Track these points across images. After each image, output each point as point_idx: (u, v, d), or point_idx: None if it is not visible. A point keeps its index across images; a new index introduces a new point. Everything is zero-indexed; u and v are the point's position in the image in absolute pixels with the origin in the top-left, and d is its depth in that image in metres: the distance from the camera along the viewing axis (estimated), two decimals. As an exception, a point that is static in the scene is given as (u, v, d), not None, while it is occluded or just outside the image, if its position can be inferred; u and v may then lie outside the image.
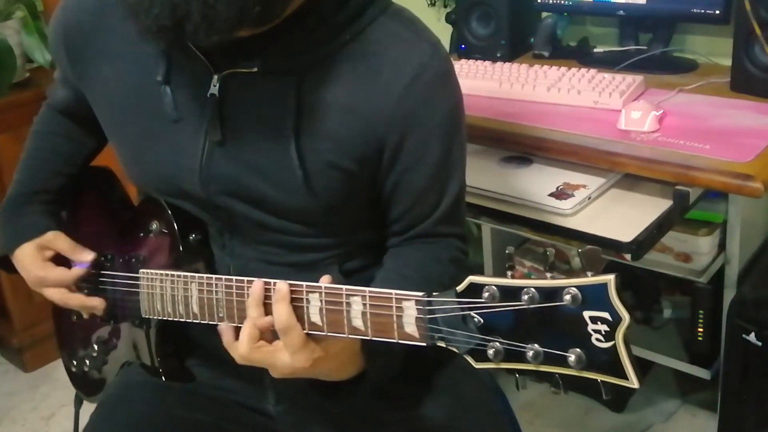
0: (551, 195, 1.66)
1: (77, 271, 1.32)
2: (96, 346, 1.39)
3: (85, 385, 1.47)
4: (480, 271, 2.53)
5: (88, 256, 1.32)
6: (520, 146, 1.79)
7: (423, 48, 1.14)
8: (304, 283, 1.02)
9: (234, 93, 1.14)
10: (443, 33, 2.37)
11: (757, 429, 1.84)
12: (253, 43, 1.08)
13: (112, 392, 1.34)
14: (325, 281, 1.02)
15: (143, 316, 1.25)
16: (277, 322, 1.01)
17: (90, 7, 1.22)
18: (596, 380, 0.84)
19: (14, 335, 2.71)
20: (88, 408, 1.44)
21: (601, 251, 0.79)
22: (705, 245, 1.98)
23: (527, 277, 2.39)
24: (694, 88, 1.91)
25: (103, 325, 1.36)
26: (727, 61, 1.91)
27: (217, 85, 1.14)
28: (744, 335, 1.78)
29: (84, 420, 1.32)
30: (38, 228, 1.34)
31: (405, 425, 1.24)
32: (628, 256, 1.52)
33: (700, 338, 2.08)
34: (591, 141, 1.70)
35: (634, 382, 0.81)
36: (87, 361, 1.42)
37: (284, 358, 1.03)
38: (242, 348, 1.05)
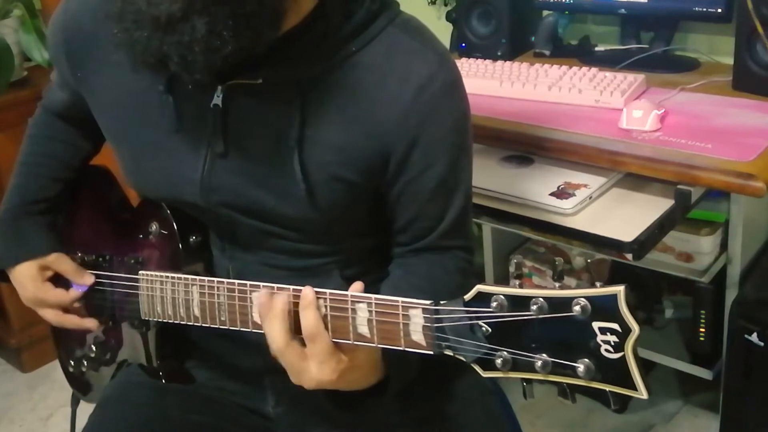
0: (552, 194, 1.65)
1: (75, 293, 1.32)
2: (94, 347, 1.39)
3: (82, 385, 1.46)
4: (481, 271, 2.52)
5: (88, 279, 1.32)
6: (520, 145, 1.78)
7: (430, 58, 1.12)
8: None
9: (237, 104, 1.12)
10: (443, 31, 2.36)
11: (760, 430, 1.84)
12: (258, 55, 1.06)
13: (110, 393, 1.33)
14: (355, 289, 1.00)
15: (143, 318, 1.24)
16: (304, 329, 0.99)
17: (92, 13, 1.20)
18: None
19: (12, 335, 2.69)
20: (85, 408, 1.43)
21: (609, 262, 0.79)
22: (707, 245, 1.97)
23: (528, 278, 2.38)
24: (696, 87, 1.91)
25: (101, 325, 1.35)
26: (729, 60, 1.91)
27: (221, 95, 1.12)
28: (746, 335, 1.77)
29: (82, 421, 1.31)
30: (41, 248, 1.33)
31: (405, 426, 1.24)
32: (629, 256, 1.51)
33: (702, 338, 2.07)
34: (592, 140, 1.69)
35: (643, 393, 0.81)
36: (85, 362, 1.42)
37: (311, 368, 1.01)
38: (279, 341, 1.01)
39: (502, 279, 2.50)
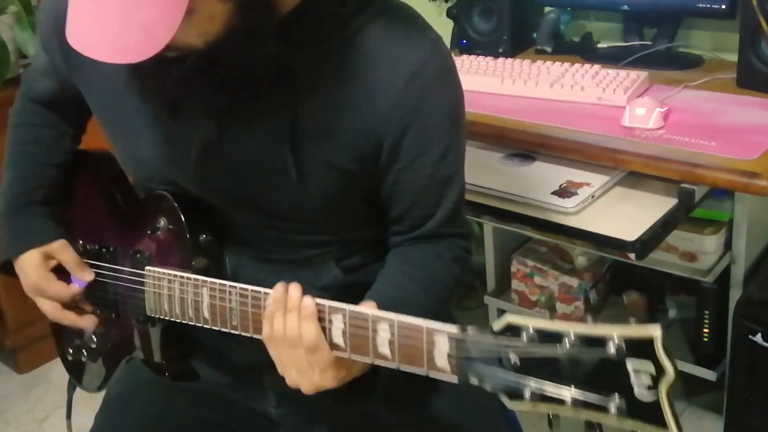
0: (554, 193, 1.64)
1: (75, 288, 1.32)
2: (95, 337, 1.37)
3: (80, 374, 1.45)
4: (482, 271, 2.51)
5: (88, 275, 1.32)
6: (522, 143, 1.77)
7: (423, 45, 1.12)
8: (327, 303, 1.00)
9: (231, 90, 1.12)
10: (444, 28, 2.34)
11: (764, 431, 1.82)
12: None
13: (118, 391, 1.34)
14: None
15: (148, 314, 1.24)
16: (305, 340, 1.00)
17: None
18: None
19: (8, 336, 2.68)
20: (79, 405, 1.42)
21: (647, 303, 0.79)
22: (711, 244, 1.97)
23: (530, 277, 2.37)
24: (700, 84, 1.89)
25: (103, 316, 1.34)
26: (733, 57, 1.89)
27: None
28: (750, 336, 1.77)
29: (80, 421, 1.30)
30: (47, 235, 1.33)
31: (404, 428, 1.24)
32: (632, 256, 1.50)
33: (705, 339, 2.07)
34: (594, 138, 1.68)
35: None
36: (84, 351, 1.40)
37: (314, 375, 1.02)
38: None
39: (504, 279, 2.48)
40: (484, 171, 1.74)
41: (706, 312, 2.05)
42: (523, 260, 2.38)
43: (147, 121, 1.18)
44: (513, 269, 2.41)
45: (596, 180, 1.67)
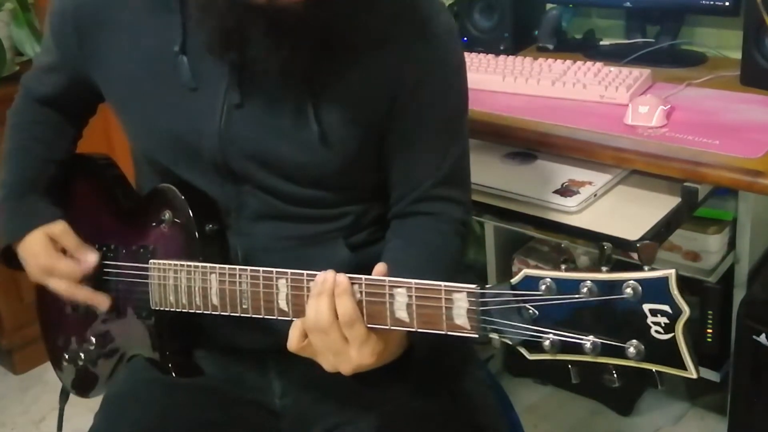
0: (556, 192, 1.63)
1: (85, 265, 1.31)
2: (94, 339, 1.36)
3: (76, 381, 1.43)
4: (483, 271, 2.50)
5: (92, 256, 1.31)
6: (524, 142, 1.75)
7: (433, 3, 1.22)
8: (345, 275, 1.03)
9: (252, 55, 1.14)
10: (444, 26, 2.34)
11: (768, 432, 1.82)
12: None
13: (118, 391, 1.33)
14: (379, 271, 1.03)
15: (153, 308, 1.24)
16: (341, 315, 1.01)
17: None
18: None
19: (4, 336, 2.68)
20: (75, 406, 1.39)
21: (658, 246, 0.81)
22: (714, 244, 1.97)
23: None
24: (703, 82, 1.88)
25: (102, 317, 1.33)
26: (737, 55, 1.88)
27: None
28: (754, 336, 1.77)
29: (74, 420, 1.28)
30: (48, 214, 1.33)
31: (407, 417, 1.24)
32: (635, 255, 1.48)
33: (709, 339, 2.07)
34: (597, 136, 1.66)
35: (693, 373, 0.84)
36: (82, 355, 1.39)
37: (351, 352, 1.03)
38: (328, 318, 1.02)
39: (505, 278, 2.47)
40: (485, 169, 1.73)
41: (710, 312, 2.05)
42: (525, 260, 2.37)
43: (170, 94, 1.20)
44: (514, 269, 2.40)
45: (598, 179, 1.66)
